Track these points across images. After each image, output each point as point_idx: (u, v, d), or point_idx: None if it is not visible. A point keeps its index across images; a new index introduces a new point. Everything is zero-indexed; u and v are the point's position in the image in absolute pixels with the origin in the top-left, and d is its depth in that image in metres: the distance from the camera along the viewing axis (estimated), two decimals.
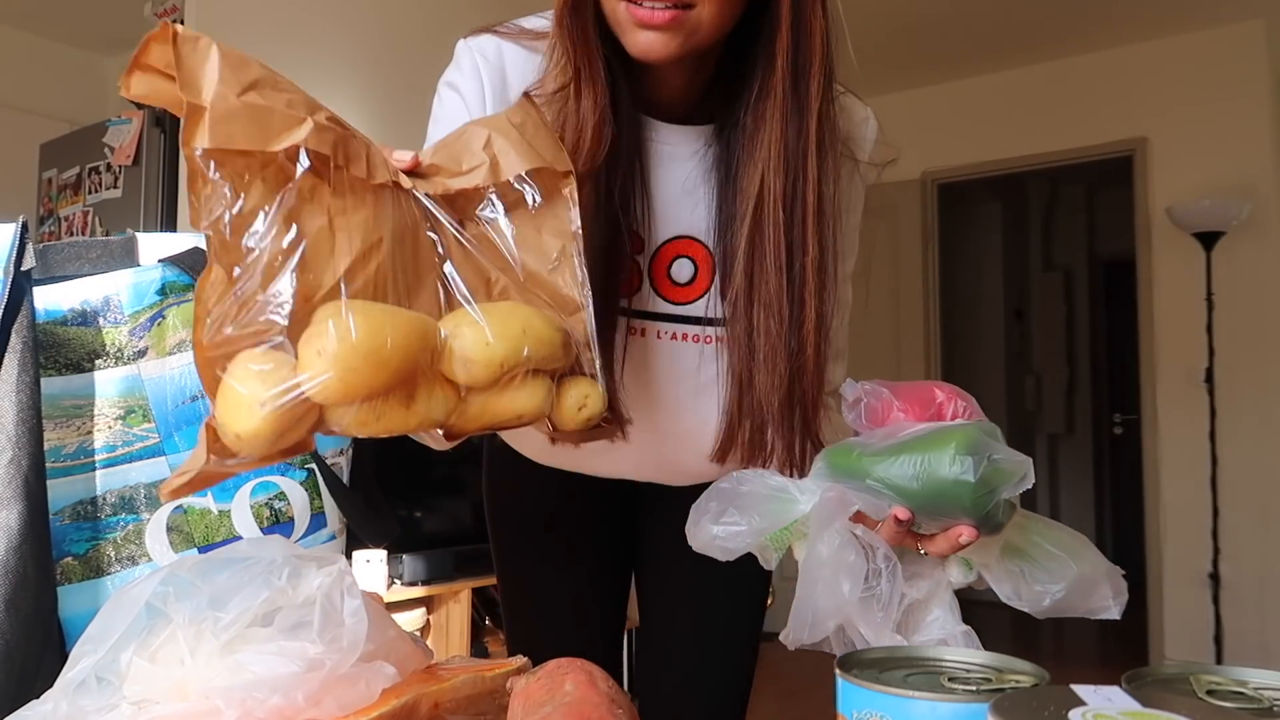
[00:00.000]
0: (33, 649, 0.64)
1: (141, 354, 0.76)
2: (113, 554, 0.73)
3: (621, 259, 0.86)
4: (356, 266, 0.55)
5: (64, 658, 0.52)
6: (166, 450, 0.76)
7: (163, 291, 0.77)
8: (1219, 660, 3.99)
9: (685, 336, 0.91)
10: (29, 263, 0.69)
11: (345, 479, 0.85)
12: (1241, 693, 0.45)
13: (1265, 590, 4.04)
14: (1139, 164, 4.43)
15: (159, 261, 0.78)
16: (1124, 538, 6.00)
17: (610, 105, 0.81)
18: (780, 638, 0.69)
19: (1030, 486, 0.65)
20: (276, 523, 0.79)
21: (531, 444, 1.01)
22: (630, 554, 1.13)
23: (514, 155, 0.66)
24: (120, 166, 3.26)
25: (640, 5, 0.76)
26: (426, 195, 0.62)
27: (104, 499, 0.74)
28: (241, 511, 0.78)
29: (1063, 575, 0.69)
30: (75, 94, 4.43)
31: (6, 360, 0.66)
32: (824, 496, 0.70)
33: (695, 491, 0.75)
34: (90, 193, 3.37)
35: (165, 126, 3.19)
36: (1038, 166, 4.85)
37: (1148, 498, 4.39)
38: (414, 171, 0.63)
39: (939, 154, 4.82)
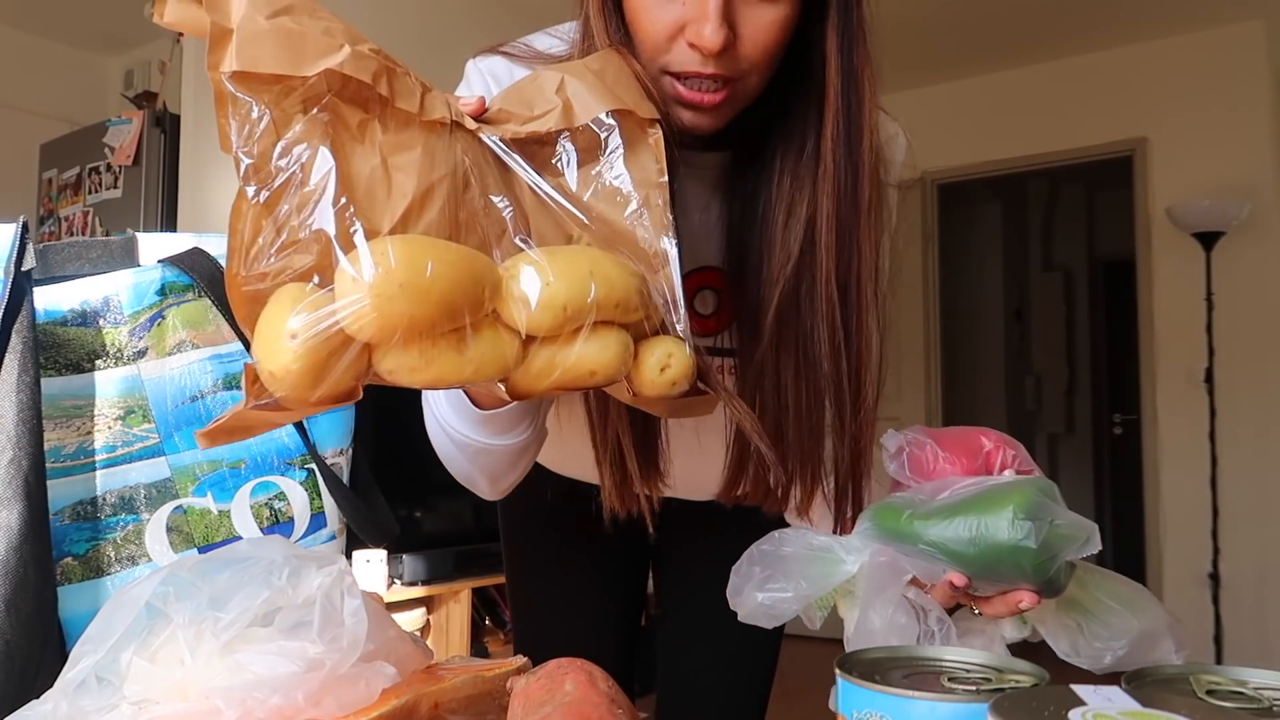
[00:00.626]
0: (33, 649, 0.64)
1: (141, 354, 0.76)
2: (112, 554, 0.73)
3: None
4: (413, 210, 0.51)
5: (64, 658, 0.52)
6: (166, 450, 0.75)
7: (162, 292, 0.77)
8: (1219, 660, 3.99)
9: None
10: (29, 263, 0.69)
11: (345, 479, 0.85)
12: (1241, 693, 0.45)
13: (1265, 590, 4.04)
14: (1139, 164, 4.43)
15: (158, 262, 0.78)
16: (1124, 538, 6.00)
17: None
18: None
19: (1096, 551, 0.62)
20: (276, 523, 0.79)
21: (547, 454, 0.99)
22: (645, 551, 1.13)
23: (591, 98, 0.60)
24: (120, 166, 3.26)
25: (687, 85, 0.72)
26: (496, 140, 0.58)
27: (104, 499, 0.74)
28: (241, 511, 0.78)
29: (1124, 631, 0.66)
30: (75, 94, 4.43)
31: (7, 360, 0.66)
32: (875, 561, 0.67)
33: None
34: (90, 193, 3.38)
35: (165, 127, 3.20)
36: (1038, 166, 4.85)
37: (1148, 498, 4.39)
38: (479, 118, 0.59)
39: (939, 154, 4.82)
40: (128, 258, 0.79)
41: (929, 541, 0.65)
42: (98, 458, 0.73)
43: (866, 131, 0.76)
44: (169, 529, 0.75)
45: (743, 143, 0.82)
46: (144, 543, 0.74)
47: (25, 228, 0.69)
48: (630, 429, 0.80)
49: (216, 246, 0.82)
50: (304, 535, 0.81)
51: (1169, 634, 0.67)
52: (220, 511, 0.77)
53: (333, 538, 0.83)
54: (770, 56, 0.73)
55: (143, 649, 0.47)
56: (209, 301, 0.77)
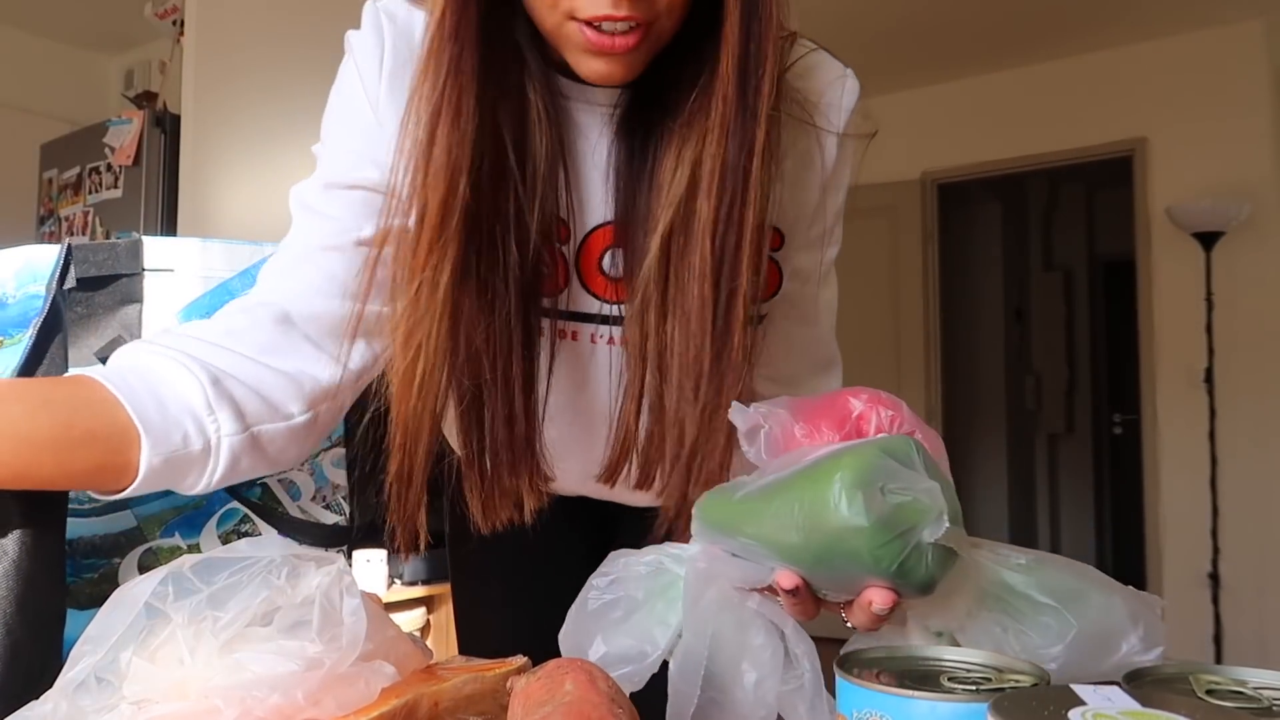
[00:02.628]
0: (39, 651, 0.64)
1: None
2: (90, 592, 0.76)
3: (549, 251, 0.75)
4: None
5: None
6: (131, 504, 0.78)
7: None
8: (1218, 660, 3.99)
9: (602, 338, 0.80)
10: (70, 283, 0.73)
11: (345, 464, 0.86)
12: (1241, 692, 0.45)
13: (1265, 590, 4.04)
14: (1139, 164, 4.43)
15: (95, 356, 0.80)
16: (1124, 538, 6.01)
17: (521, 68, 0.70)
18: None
19: (946, 529, 0.48)
20: None
21: None
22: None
23: None
24: (120, 166, 3.26)
25: (599, 29, 0.65)
26: None
27: (75, 545, 0.77)
28: (210, 543, 0.81)
29: (1061, 634, 0.52)
30: (75, 94, 4.43)
31: (40, 372, 0.68)
32: (694, 567, 0.55)
33: None
34: (91, 193, 3.38)
35: (165, 127, 3.20)
36: (1038, 166, 4.85)
37: (1147, 498, 4.39)
38: None
39: (939, 154, 4.82)
40: (133, 261, 0.81)
41: (749, 533, 0.53)
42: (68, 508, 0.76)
43: (769, 65, 0.68)
44: (141, 568, 0.78)
45: (644, 83, 0.73)
46: (119, 582, 0.77)
47: (70, 250, 0.72)
48: (507, 421, 0.73)
49: (217, 250, 0.83)
50: None
51: (1134, 627, 0.52)
52: (189, 546, 0.80)
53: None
54: None
55: (142, 649, 0.47)
56: None
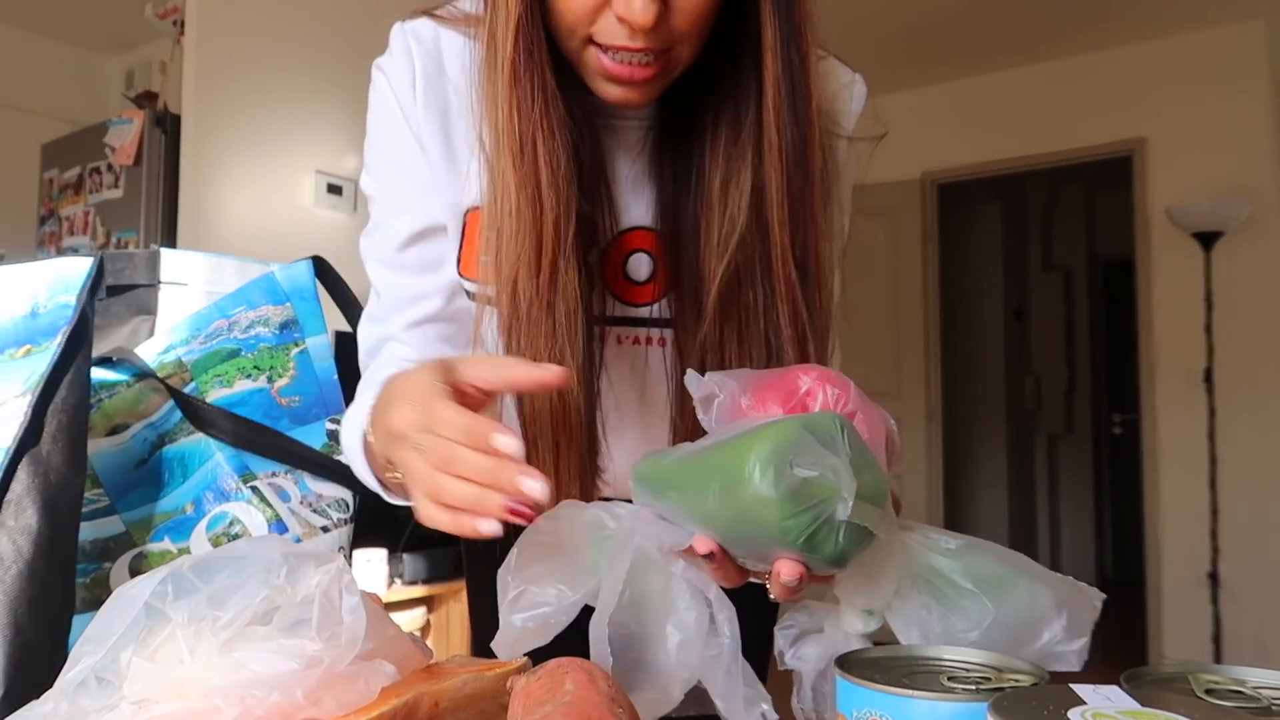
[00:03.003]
0: (46, 652, 0.65)
1: None
2: (82, 596, 0.76)
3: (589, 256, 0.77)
4: None
5: None
6: (119, 509, 0.79)
7: (95, 389, 0.81)
8: (1218, 659, 3.99)
9: (642, 340, 0.82)
10: (100, 294, 0.75)
11: (326, 483, 0.86)
12: (1240, 692, 0.45)
13: (1264, 590, 4.04)
14: (1138, 164, 4.43)
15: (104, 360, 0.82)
16: (1124, 538, 6.00)
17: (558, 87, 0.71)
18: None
19: (857, 506, 0.48)
20: None
21: None
22: None
23: None
24: (121, 166, 3.26)
25: (614, 59, 0.67)
26: None
27: None
28: (200, 547, 0.81)
29: (978, 619, 0.53)
30: (76, 94, 4.43)
31: (66, 381, 0.69)
32: (622, 527, 0.56)
33: None
34: (91, 193, 3.37)
35: (166, 127, 3.20)
36: (1037, 166, 4.85)
37: (1147, 498, 4.39)
38: None
39: (939, 154, 4.82)
40: (150, 272, 0.82)
41: (674, 498, 0.54)
42: None
43: (812, 95, 0.71)
44: (133, 572, 0.79)
45: (675, 100, 0.75)
46: (109, 586, 0.78)
47: (102, 262, 0.74)
48: (567, 429, 0.75)
49: (230, 267, 0.84)
50: None
51: (1057, 616, 0.53)
52: (179, 549, 0.81)
53: (297, 540, 0.85)
54: (703, 25, 0.68)
55: (142, 648, 0.47)
56: (139, 389, 0.81)
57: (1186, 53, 4.29)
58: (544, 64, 0.70)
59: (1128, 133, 4.44)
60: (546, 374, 0.59)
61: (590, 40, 0.68)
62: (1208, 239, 4.08)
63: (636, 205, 0.80)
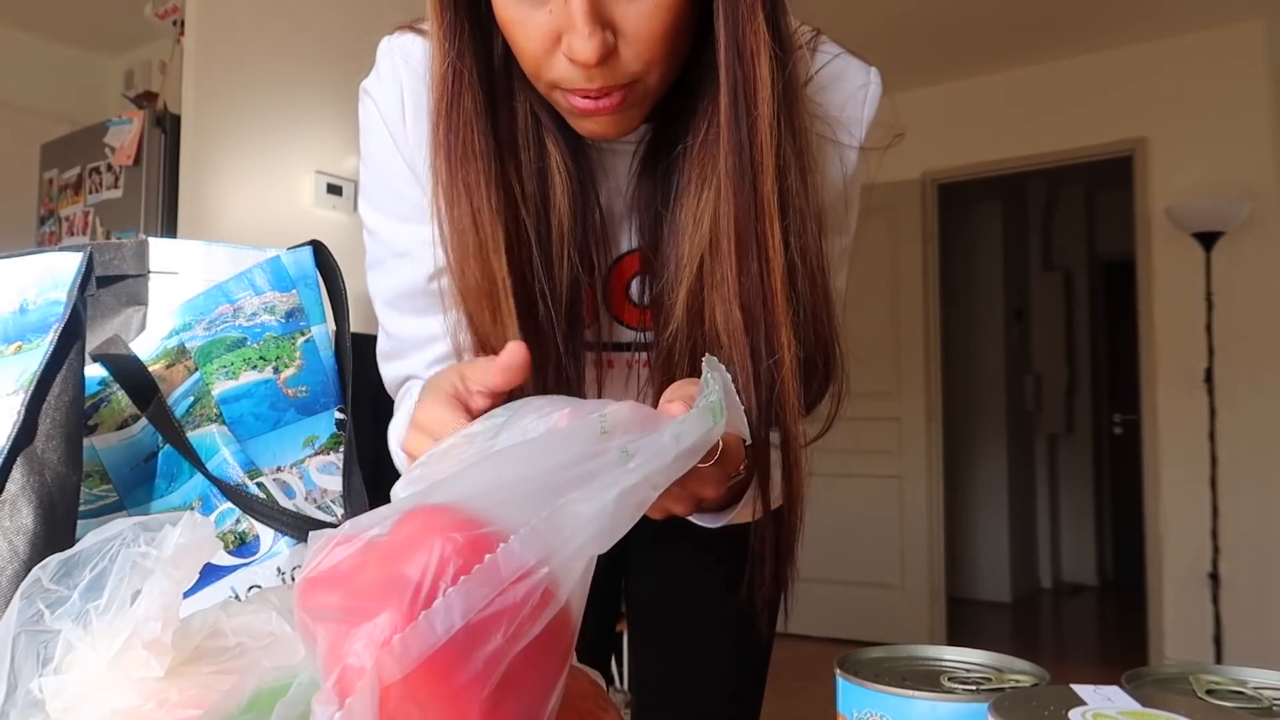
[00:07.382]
0: None
1: (92, 429, 0.79)
2: None
3: (585, 288, 0.76)
4: None
5: None
6: (128, 505, 0.78)
7: (104, 383, 0.80)
8: (1218, 660, 3.99)
9: (634, 363, 0.81)
10: (90, 289, 0.73)
11: (329, 478, 0.86)
12: (1241, 692, 0.45)
13: (1265, 590, 4.04)
14: (1139, 164, 4.43)
15: (93, 358, 0.81)
16: (1124, 538, 6.01)
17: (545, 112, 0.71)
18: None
19: None
20: (243, 543, 0.80)
21: None
22: (616, 559, 1.07)
23: None
24: (121, 167, 3.26)
25: (578, 95, 0.65)
26: None
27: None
28: None
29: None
30: (75, 94, 4.43)
31: (59, 377, 0.69)
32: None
33: None
34: (91, 193, 3.38)
35: (166, 127, 3.20)
36: (1037, 166, 4.85)
37: (1147, 498, 4.39)
38: None
39: (939, 154, 4.82)
40: (139, 262, 0.81)
41: None
42: None
43: (763, 117, 0.65)
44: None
45: (663, 118, 0.73)
46: None
47: (91, 256, 0.73)
48: None
49: (221, 254, 0.83)
50: (272, 545, 0.82)
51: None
52: None
53: (297, 541, 0.85)
54: (665, 46, 0.64)
55: (46, 668, 0.47)
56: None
57: (1187, 53, 4.29)
58: (472, 123, 0.69)
59: (1128, 133, 4.44)
60: (507, 359, 0.58)
61: (554, 86, 0.66)
62: (1208, 239, 4.09)
63: (635, 227, 0.79)
